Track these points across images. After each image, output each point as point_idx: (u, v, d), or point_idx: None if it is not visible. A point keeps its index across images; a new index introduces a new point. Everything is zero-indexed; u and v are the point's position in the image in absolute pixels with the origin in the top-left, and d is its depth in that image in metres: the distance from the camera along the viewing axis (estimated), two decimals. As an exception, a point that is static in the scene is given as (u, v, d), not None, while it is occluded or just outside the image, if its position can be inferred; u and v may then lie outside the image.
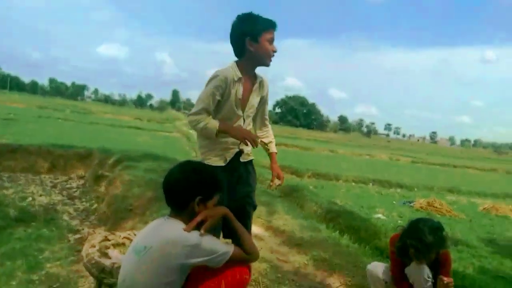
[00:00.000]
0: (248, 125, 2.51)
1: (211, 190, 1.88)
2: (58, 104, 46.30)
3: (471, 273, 3.98)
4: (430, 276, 2.50)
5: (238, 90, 2.36)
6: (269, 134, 2.73)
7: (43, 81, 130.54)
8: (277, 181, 2.60)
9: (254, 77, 2.47)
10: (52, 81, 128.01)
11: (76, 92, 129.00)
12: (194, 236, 1.73)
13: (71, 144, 9.65)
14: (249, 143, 2.29)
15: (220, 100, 2.34)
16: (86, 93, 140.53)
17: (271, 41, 2.35)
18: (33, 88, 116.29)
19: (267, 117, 2.73)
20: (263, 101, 2.60)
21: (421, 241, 2.34)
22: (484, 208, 8.63)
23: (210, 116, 2.34)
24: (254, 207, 2.62)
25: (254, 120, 2.64)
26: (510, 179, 19.73)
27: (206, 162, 2.39)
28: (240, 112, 2.41)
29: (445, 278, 2.40)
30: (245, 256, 1.90)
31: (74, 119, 23.63)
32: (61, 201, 6.24)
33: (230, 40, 2.41)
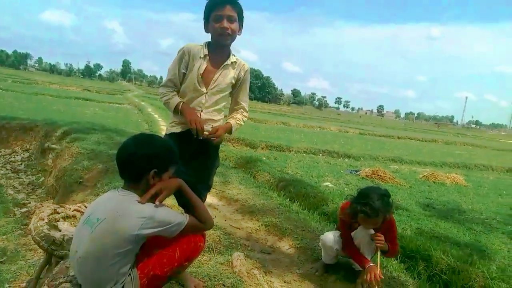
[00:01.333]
0: (215, 104, 2.45)
1: (166, 163, 1.89)
2: (-1, 74, 43.10)
3: (409, 234, 4.28)
4: (374, 238, 2.70)
5: (201, 66, 2.36)
6: (234, 115, 2.60)
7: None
8: (207, 132, 2.37)
9: (226, 57, 2.45)
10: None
11: (18, 61, 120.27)
12: (148, 208, 1.76)
13: (14, 116, 9.10)
14: (194, 131, 2.29)
15: (185, 72, 2.39)
16: (29, 62, 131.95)
17: (216, 18, 2.31)
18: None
19: (243, 104, 2.62)
20: (239, 84, 2.55)
21: (369, 207, 2.50)
22: (423, 176, 9.20)
23: (175, 92, 2.42)
24: (209, 188, 2.65)
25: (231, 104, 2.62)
26: (448, 149, 21.12)
27: (167, 130, 2.47)
28: (203, 89, 2.39)
29: (375, 234, 2.63)
30: (199, 225, 1.95)
31: (16, 89, 22.18)
32: (5, 175, 5.97)
33: None
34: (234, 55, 2.48)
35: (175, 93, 2.42)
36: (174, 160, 1.95)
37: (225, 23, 2.31)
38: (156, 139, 2.00)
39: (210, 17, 2.34)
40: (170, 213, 1.85)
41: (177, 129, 2.43)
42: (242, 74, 2.54)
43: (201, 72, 2.36)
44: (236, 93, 2.59)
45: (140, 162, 1.83)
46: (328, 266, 2.93)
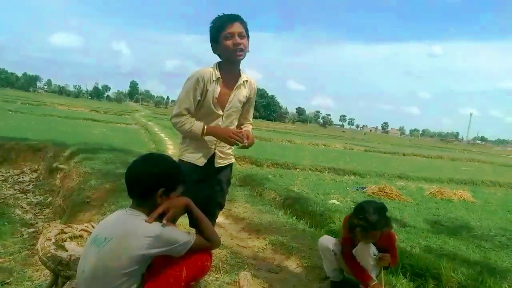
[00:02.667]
0: (230, 124, 2.51)
1: (174, 182, 1.91)
2: (8, 96, 43.85)
3: (417, 252, 4.23)
4: (376, 253, 2.68)
5: (215, 89, 2.37)
6: (246, 127, 2.70)
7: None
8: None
9: (238, 76, 2.48)
10: (1, 71, 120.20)
11: (27, 83, 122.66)
12: (155, 227, 1.76)
13: (23, 137, 9.23)
14: (237, 142, 2.34)
15: (200, 99, 2.38)
16: (39, 84, 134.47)
17: (229, 36, 2.31)
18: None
19: (250, 120, 2.73)
20: (248, 103, 2.61)
21: (366, 220, 2.49)
22: (430, 193, 9.10)
23: (193, 118, 2.40)
24: (221, 207, 2.67)
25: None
26: (454, 166, 20.94)
27: (182, 158, 2.47)
28: (219, 111, 2.43)
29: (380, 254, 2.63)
30: (206, 244, 1.95)
31: (26, 111, 22.51)
32: (13, 195, 6.00)
33: None
34: (244, 73, 2.51)
35: (193, 119, 2.39)
36: (182, 179, 1.96)
37: (238, 39, 2.33)
38: (165, 159, 2.01)
39: (220, 37, 2.33)
40: (177, 232, 1.85)
41: (193, 159, 2.45)
42: (252, 93, 2.60)
43: (216, 96, 2.38)
44: (245, 112, 2.64)
45: (148, 181, 1.84)
46: (336, 285, 2.90)
